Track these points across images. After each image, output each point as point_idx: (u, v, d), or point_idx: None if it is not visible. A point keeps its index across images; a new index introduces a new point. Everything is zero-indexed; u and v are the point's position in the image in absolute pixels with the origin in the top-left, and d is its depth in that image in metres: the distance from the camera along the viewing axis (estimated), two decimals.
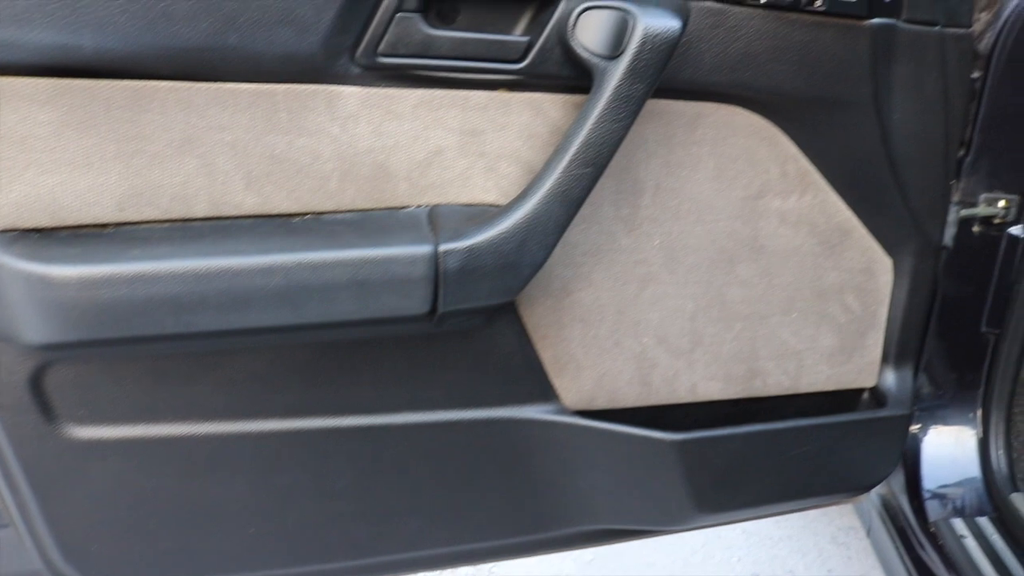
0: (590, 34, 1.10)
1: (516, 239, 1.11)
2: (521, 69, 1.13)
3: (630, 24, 1.08)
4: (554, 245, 1.14)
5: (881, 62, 1.27)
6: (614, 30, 1.09)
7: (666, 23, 1.08)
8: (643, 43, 1.07)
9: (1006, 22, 1.48)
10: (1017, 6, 1.47)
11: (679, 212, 1.29)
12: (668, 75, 1.14)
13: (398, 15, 1.06)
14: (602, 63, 1.09)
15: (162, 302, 1.02)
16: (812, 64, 1.24)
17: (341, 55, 1.07)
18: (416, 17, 1.07)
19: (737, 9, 1.18)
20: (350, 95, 1.10)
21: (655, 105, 1.22)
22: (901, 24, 1.26)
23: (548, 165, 1.11)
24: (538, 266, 1.14)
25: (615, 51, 1.09)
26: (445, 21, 1.11)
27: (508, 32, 1.13)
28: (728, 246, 1.34)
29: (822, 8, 1.20)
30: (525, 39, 1.12)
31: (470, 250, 1.10)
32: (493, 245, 1.10)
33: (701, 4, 1.17)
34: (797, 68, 1.23)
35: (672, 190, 1.28)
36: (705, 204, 1.30)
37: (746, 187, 1.31)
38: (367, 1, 1.05)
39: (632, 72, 1.08)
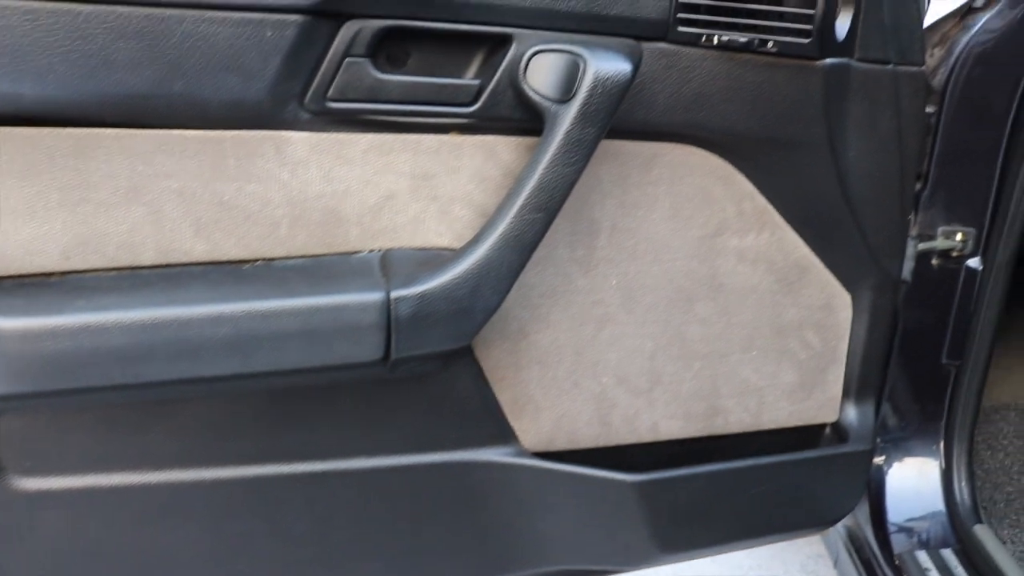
0: (541, 77, 1.10)
1: (469, 285, 1.10)
2: (472, 112, 1.12)
3: (581, 67, 1.07)
4: (508, 290, 1.13)
5: (834, 102, 1.27)
6: (565, 73, 1.08)
7: (617, 66, 1.08)
8: (594, 87, 1.07)
9: (959, 58, 1.49)
10: (969, 42, 1.49)
11: (636, 252, 1.29)
12: (622, 116, 1.14)
13: (347, 60, 1.06)
14: (553, 107, 1.09)
15: (109, 353, 1.00)
16: (765, 105, 1.24)
17: (289, 101, 1.06)
18: (365, 62, 1.06)
19: (690, 50, 1.18)
20: (299, 141, 1.08)
21: (610, 146, 1.21)
22: (854, 63, 1.27)
23: (500, 210, 1.10)
24: (492, 311, 1.13)
25: (566, 95, 1.08)
26: (395, 65, 1.10)
27: (459, 76, 1.12)
28: (686, 285, 1.34)
29: (774, 50, 1.20)
30: (476, 82, 1.11)
31: (422, 296, 1.08)
32: (445, 291, 1.09)
33: (654, 46, 1.17)
34: (751, 109, 1.23)
35: (628, 230, 1.27)
36: (662, 244, 1.30)
37: (703, 226, 1.31)
38: (315, 47, 1.04)
39: (583, 116, 1.08)
